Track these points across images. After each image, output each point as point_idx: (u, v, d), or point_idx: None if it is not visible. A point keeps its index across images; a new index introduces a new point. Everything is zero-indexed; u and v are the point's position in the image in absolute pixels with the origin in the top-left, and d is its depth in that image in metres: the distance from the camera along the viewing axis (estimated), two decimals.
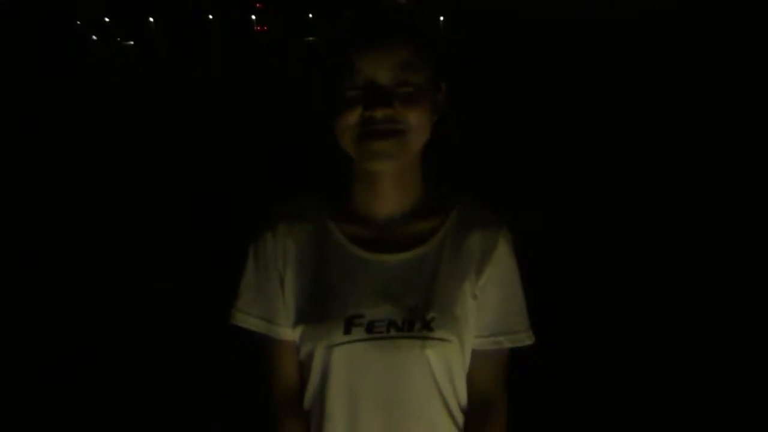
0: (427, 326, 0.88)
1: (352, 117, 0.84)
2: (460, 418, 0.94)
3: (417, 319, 0.89)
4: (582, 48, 17.66)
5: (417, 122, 0.86)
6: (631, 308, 2.96)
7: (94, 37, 37.06)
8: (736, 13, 14.17)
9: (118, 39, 37.42)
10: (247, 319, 0.95)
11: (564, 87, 13.08)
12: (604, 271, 3.36)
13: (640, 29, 17.15)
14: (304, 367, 0.94)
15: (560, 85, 13.62)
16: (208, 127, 9.33)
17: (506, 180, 5.37)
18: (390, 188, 0.91)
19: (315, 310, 0.91)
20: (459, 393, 0.94)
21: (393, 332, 0.88)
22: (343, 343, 0.88)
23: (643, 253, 3.63)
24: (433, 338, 0.88)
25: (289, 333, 0.93)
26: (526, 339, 0.95)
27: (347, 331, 0.88)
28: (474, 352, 0.94)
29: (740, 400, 2.25)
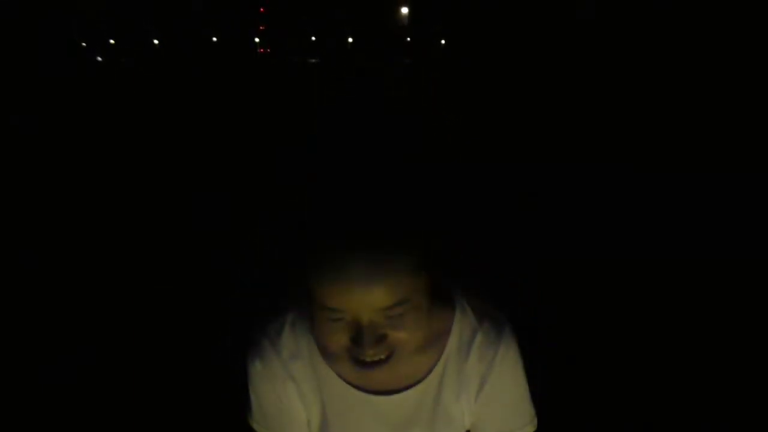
0: None
1: (339, 344, 0.81)
2: None
3: None
4: (581, 48, 17.64)
5: (408, 341, 0.81)
6: (631, 309, 2.96)
7: (99, 58, 37.54)
8: (735, 14, 14.16)
9: (123, 60, 37.91)
10: (265, 430, 0.95)
11: (562, 87, 13.07)
12: (604, 271, 3.36)
13: (640, 29, 17.13)
14: None
15: (558, 85, 13.61)
16: (208, 128, 9.34)
17: (504, 180, 5.37)
18: (379, 378, 0.90)
19: None
20: None
21: None
22: None
23: (643, 254, 3.63)
24: None
25: None
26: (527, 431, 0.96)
27: None
28: None
29: (740, 400, 2.25)
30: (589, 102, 10.78)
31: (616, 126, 8.25)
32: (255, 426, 0.95)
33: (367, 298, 0.75)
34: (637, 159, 6.13)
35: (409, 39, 42.79)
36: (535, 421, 0.95)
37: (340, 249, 0.75)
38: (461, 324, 0.92)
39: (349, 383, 0.90)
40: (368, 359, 0.80)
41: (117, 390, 2.34)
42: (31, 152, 7.16)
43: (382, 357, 0.80)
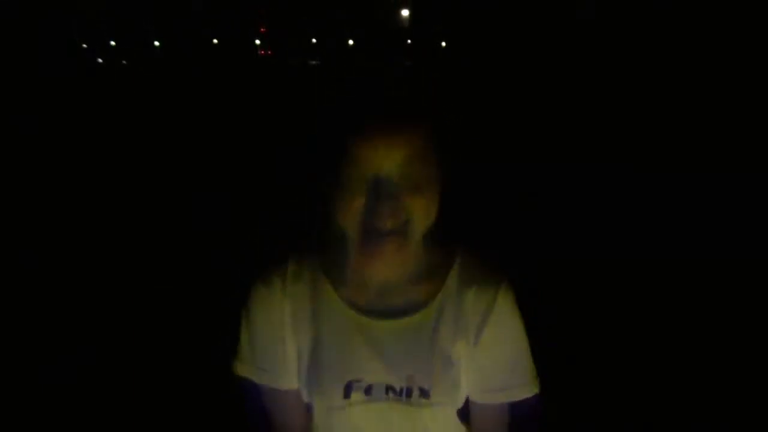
0: (425, 394, 0.90)
1: (356, 208, 0.82)
2: None
3: (415, 386, 0.90)
4: (581, 48, 17.64)
5: (423, 212, 0.84)
6: (631, 309, 2.96)
7: (100, 60, 37.68)
8: (735, 14, 14.18)
9: (124, 62, 38.01)
10: (252, 370, 0.95)
11: (562, 87, 13.07)
12: (604, 271, 3.36)
13: (640, 29, 17.14)
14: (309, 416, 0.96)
15: (558, 85, 13.61)
16: (208, 127, 9.34)
17: (504, 180, 5.37)
18: (390, 257, 0.87)
19: (314, 373, 0.92)
20: None
21: (391, 395, 0.90)
22: (343, 407, 0.91)
23: (643, 254, 3.63)
24: (431, 404, 0.91)
25: (294, 381, 0.94)
26: (527, 392, 0.94)
27: (347, 395, 0.90)
28: (473, 404, 0.95)
29: (740, 400, 2.25)
30: (589, 102, 10.79)
31: (616, 126, 8.25)
32: (241, 368, 0.95)
33: (387, 147, 0.79)
34: (637, 159, 6.13)
35: (409, 41, 42.83)
36: (537, 382, 0.94)
37: (362, 106, 0.82)
38: (463, 264, 0.94)
39: (349, 306, 0.91)
40: (382, 222, 0.80)
41: (117, 390, 2.35)
42: (31, 152, 7.16)
43: (397, 225, 0.81)
